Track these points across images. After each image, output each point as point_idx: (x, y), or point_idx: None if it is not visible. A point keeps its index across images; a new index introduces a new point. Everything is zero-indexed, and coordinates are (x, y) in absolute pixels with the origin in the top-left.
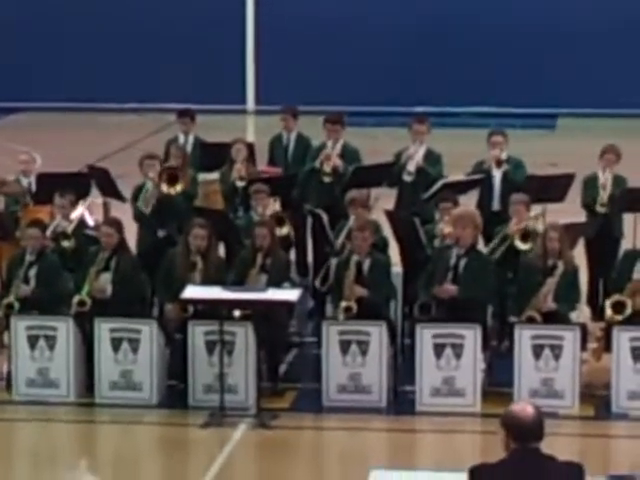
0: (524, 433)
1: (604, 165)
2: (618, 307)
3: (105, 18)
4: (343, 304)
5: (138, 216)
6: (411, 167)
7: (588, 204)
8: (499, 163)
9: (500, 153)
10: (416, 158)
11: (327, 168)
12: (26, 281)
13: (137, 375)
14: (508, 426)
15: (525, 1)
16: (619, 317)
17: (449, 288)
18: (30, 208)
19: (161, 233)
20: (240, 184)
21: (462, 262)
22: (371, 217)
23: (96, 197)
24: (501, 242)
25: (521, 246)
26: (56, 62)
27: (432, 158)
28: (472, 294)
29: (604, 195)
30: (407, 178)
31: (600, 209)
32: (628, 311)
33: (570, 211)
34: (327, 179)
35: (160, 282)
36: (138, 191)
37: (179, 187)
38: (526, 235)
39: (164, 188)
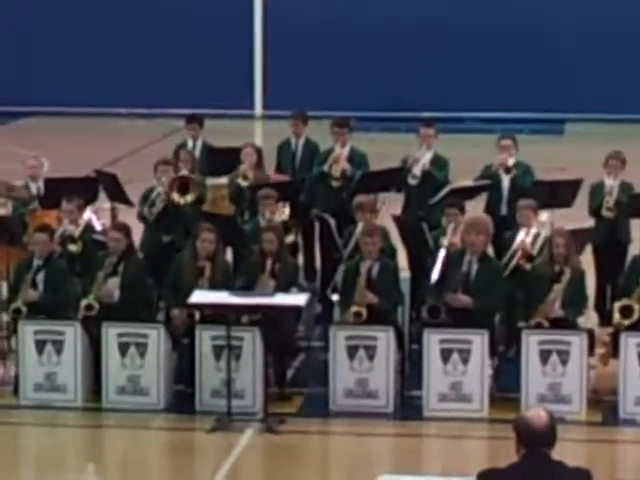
0: (534, 439)
1: (609, 172)
2: (626, 311)
3: (113, 23)
4: (353, 309)
5: (142, 216)
6: (417, 170)
7: (595, 210)
8: (507, 169)
9: (508, 158)
10: (422, 161)
11: (336, 172)
12: (34, 286)
13: (144, 380)
14: (519, 431)
15: (534, 6)
16: (627, 321)
17: (463, 299)
18: (38, 213)
19: (165, 238)
20: (243, 183)
21: (474, 268)
22: (378, 222)
23: (104, 202)
24: (510, 259)
25: (527, 266)
26: (64, 66)
27: (439, 163)
28: (485, 304)
29: (610, 200)
30: (412, 181)
31: (607, 213)
32: (636, 315)
33: (578, 216)
34: (335, 183)
35: (167, 287)
36: (148, 194)
37: (189, 197)
38: (531, 257)
39: (175, 197)
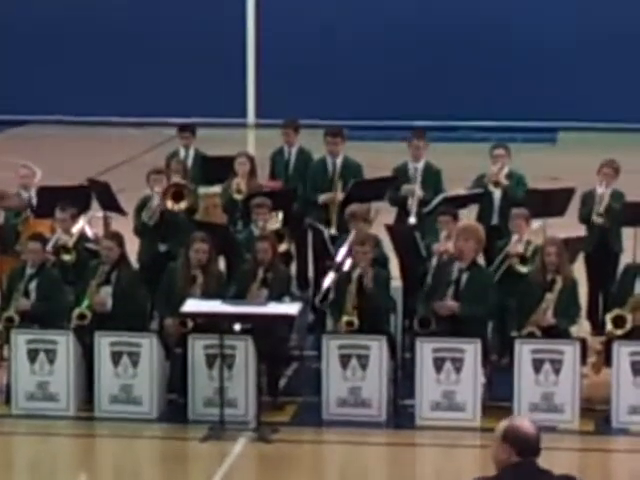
0: (529, 448)
1: (602, 179)
2: (618, 322)
3: (106, 32)
4: (345, 318)
5: (139, 229)
6: (412, 219)
7: (585, 217)
8: (497, 184)
9: (500, 169)
10: (416, 196)
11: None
12: (26, 295)
13: (137, 389)
14: (513, 440)
15: (526, 16)
16: (619, 332)
17: (450, 305)
18: (31, 222)
19: (162, 247)
20: (238, 197)
21: (464, 277)
22: (371, 231)
23: (96, 211)
24: (502, 262)
25: (521, 269)
26: (57, 75)
27: (431, 173)
28: (473, 311)
29: (601, 206)
30: (412, 221)
31: (597, 219)
32: (628, 326)
33: (570, 225)
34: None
35: (160, 296)
36: (143, 204)
37: (184, 204)
38: (525, 259)
39: (169, 204)
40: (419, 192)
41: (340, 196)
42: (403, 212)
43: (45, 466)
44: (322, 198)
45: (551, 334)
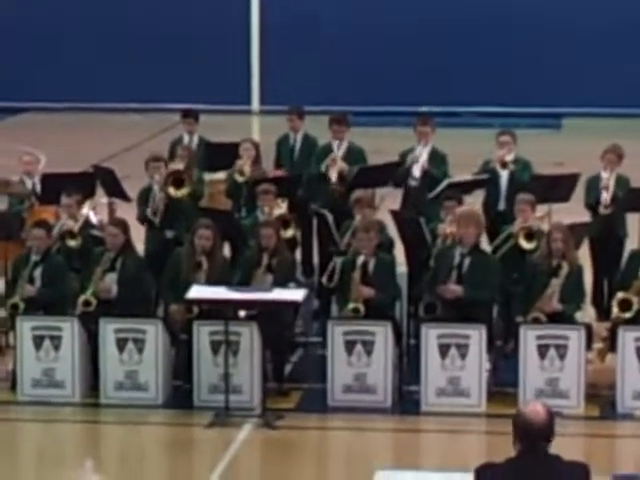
0: (531, 435)
1: (605, 165)
2: (625, 305)
3: (109, 18)
4: (351, 306)
5: (143, 218)
6: (416, 172)
7: (591, 205)
8: (504, 164)
9: (506, 153)
10: (421, 161)
11: (333, 176)
12: (31, 281)
13: (142, 375)
14: (517, 427)
15: (532, 1)
16: (626, 315)
17: (454, 288)
18: (35, 208)
19: (169, 234)
20: (240, 179)
21: (466, 261)
22: (376, 217)
23: (101, 197)
24: (505, 240)
25: (525, 245)
26: (60, 62)
27: (437, 158)
28: (476, 294)
29: (607, 197)
30: (413, 183)
31: (604, 211)
32: (635, 308)
33: (576, 211)
34: (334, 187)
35: (165, 282)
36: (144, 194)
37: (185, 190)
38: (530, 234)
39: (171, 192)
40: (424, 162)
41: (340, 163)
42: (407, 190)
43: (51, 453)
44: (325, 163)
45: (556, 320)
